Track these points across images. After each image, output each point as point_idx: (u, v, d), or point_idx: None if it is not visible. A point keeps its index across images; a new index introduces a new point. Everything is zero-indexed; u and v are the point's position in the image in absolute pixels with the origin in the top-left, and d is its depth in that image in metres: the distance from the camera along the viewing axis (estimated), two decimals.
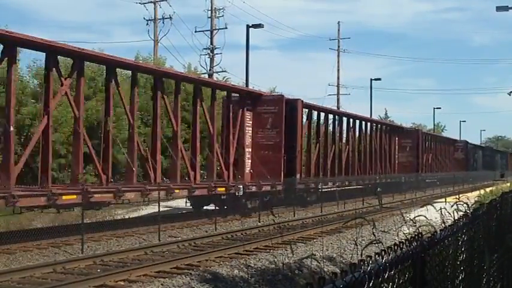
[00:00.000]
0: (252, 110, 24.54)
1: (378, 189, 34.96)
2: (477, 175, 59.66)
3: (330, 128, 33.07)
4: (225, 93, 24.93)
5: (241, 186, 21.50)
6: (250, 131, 24.45)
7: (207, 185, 20.55)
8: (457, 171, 54.57)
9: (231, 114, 23.36)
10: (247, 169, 24.07)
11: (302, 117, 26.96)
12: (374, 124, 38.91)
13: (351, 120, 34.50)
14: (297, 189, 25.38)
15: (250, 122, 24.46)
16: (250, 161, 24.30)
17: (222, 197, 21.52)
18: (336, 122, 32.79)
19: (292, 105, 25.80)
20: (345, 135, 33.82)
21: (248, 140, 24.27)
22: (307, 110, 28.83)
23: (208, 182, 21.77)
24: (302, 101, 26.80)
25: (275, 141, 24.46)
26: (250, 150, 24.33)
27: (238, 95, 24.65)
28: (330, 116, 32.62)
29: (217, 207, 21.13)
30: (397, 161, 42.09)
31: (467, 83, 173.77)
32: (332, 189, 28.59)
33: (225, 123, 23.63)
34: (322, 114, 30.85)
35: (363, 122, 36.45)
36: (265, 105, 24.89)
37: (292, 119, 25.49)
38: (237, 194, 21.26)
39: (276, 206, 22.68)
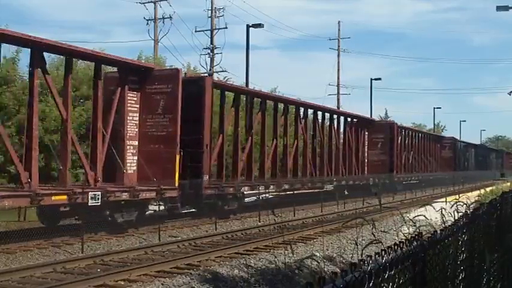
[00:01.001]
0: (140, 89, 18.58)
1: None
2: (467, 176, 54.69)
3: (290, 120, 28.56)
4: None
5: (96, 192, 15.48)
6: (137, 118, 18.51)
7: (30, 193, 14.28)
8: (444, 172, 51.13)
9: (99, 93, 17.19)
10: (131, 169, 18.18)
11: (212, 99, 20.94)
12: (335, 115, 33.32)
13: (302, 109, 29.03)
14: (205, 195, 19.78)
15: (137, 106, 18.52)
16: (135, 157, 18.33)
17: (64, 209, 16.00)
18: (282, 111, 27.04)
19: (197, 84, 20.32)
20: (306, 130, 29.19)
21: (133, 130, 18.38)
22: (233, 93, 23.71)
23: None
24: (212, 79, 22.17)
25: (167, 132, 18.38)
26: (136, 143, 18.45)
27: (115, 68, 19.22)
28: (270, 103, 26.90)
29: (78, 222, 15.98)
30: (366, 160, 36.81)
31: (467, 83, 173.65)
32: (265, 195, 24.21)
33: (93, 105, 17.56)
34: (258, 100, 25.37)
35: (319, 113, 31.27)
36: (156, 83, 18.64)
37: (196, 102, 19.73)
38: (89, 203, 15.18)
39: (170, 219, 18.57)
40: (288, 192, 25.91)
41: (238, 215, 21.56)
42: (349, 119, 35.27)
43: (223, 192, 20.74)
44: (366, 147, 36.94)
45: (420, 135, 48.99)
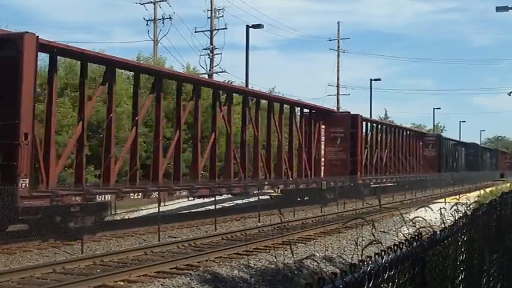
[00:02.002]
0: None
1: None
2: (456, 177, 49.10)
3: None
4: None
5: None
6: None
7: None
8: (426, 173, 46.00)
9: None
10: None
11: (36, 67, 14.82)
12: (278, 104, 27.98)
13: (227, 94, 23.54)
14: (21, 208, 13.79)
15: None
16: None
17: None
18: (194, 97, 21.50)
19: (11, 46, 14.33)
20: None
21: None
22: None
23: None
24: (37, 38, 14.29)
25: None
26: None
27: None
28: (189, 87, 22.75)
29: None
30: (323, 159, 30.85)
31: (467, 83, 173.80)
32: None
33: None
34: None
35: (262, 101, 26.08)
36: None
37: (8, 70, 14.17)
38: None
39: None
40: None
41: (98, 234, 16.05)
42: (306, 110, 30.12)
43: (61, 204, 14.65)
44: (323, 143, 30.90)
45: (396, 130, 42.33)
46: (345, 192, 29.24)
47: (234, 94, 24.56)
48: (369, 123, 37.11)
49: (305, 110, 30.27)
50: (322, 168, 30.84)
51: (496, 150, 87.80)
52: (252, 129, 25.08)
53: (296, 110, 29.64)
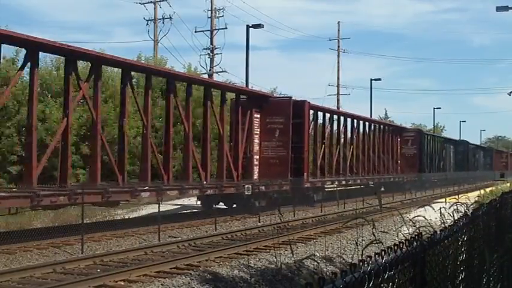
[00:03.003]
0: None
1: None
2: (442, 178, 45.58)
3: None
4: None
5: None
6: None
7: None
8: (404, 174, 40.86)
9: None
10: None
11: None
12: (213, 90, 23.45)
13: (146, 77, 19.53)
14: None
15: None
16: None
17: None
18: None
19: None
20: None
21: None
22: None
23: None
24: None
25: None
26: None
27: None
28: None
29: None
30: (257, 156, 24.39)
31: (467, 83, 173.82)
32: None
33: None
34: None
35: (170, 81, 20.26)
36: None
37: None
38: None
39: None
40: None
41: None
42: (243, 97, 24.37)
43: None
44: (257, 137, 24.46)
45: (366, 124, 35.91)
46: (288, 198, 23.62)
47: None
48: (327, 114, 30.51)
49: (242, 97, 24.33)
50: (256, 168, 24.36)
51: (490, 148, 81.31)
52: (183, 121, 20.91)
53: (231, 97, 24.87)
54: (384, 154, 38.30)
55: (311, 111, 28.41)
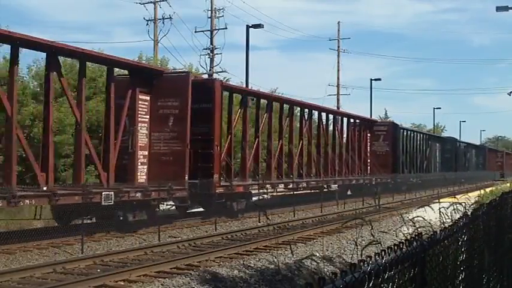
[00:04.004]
0: None
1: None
2: (425, 180, 41.01)
3: None
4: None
5: None
6: None
7: None
8: (374, 175, 35.25)
9: None
10: None
11: None
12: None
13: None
14: None
15: None
16: None
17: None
18: None
19: None
20: None
21: None
22: None
23: None
24: None
25: None
26: None
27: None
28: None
29: None
30: (144, 152, 18.46)
31: (467, 83, 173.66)
32: None
33: None
34: None
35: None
36: None
37: None
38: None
39: None
40: None
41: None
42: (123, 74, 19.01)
43: None
44: (145, 125, 18.53)
45: (320, 114, 30.36)
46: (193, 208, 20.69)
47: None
48: (263, 100, 25.05)
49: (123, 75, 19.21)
50: (143, 167, 18.50)
51: (482, 147, 74.17)
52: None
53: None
54: (347, 152, 32.82)
55: (225, 94, 23.29)
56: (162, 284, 10.21)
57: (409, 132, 42.99)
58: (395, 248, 2.80)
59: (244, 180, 22.88)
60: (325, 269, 11.60)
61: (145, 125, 18.66)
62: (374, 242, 6.17)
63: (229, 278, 10.88)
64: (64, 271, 11.19)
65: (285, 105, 28.06)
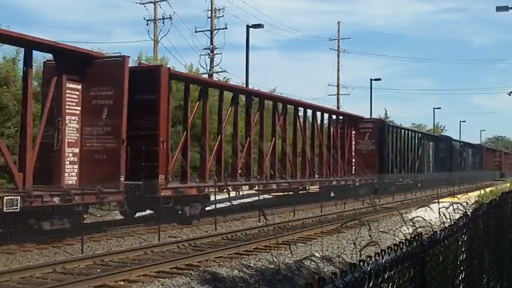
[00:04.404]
0: None
1: (332, 194, 31.25)
2: (419, 181, 40.01)
3: None
4: None
5: None
6: None
7: None
8: (356, 175, 32.98)
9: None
10: None
11: None
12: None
13: None
14: None
15: None
16: None
17: None
18: None
19: None
20: None
21: None
22: None
23: None
24: None
25: None
26: None
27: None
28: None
29: None
30: (74, 149, 16.01)
31: (467, 83, 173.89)
32: None
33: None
34: None
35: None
36: None
37: None
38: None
39: None
40: None
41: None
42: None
43: None
44: (76, 118, 16.16)
45: (297, 109, 28.26)
46: (131, 214, 18.75)
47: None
48: (227, 93, 23.53)
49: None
50: (73, 166, 16.07)
51: (479, 146, 70.97)
52: None
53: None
54: (329, 151, 30.63)
55: (176, 84, 21.82)
56: (162, 284, 10.21)
57: (399, 130, 40.64)
58: (395, 248, 2.80)
59: (203, 181, 20.43)
60: (325, 269, 11.60)
61: (76, 118, 16.18)
62: (371, 243, 6.18)
63: (229, 278, 10.88)
64: (64, 271, 11.19)
65: (255, 99, 24.96)
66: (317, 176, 29.18)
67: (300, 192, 29.19)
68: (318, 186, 29.77)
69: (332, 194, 30.65)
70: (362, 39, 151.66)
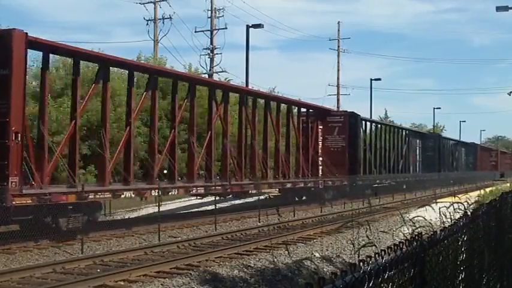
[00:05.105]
0: None
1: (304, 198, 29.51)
2: (404, 182, 36.55)
3: None
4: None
5: None
6: None
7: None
8: (324, 176, 28.37)
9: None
10: None
11: None
12: None
13: None
14: None
15: None
16: None
17: None
18: None
19: None
20: None
21: None
22: None
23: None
24: None
25: None
26: None
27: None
28: None
29: None
30: None
31: (467, 83, 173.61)
32: None
33: None
34: None
35: None
36: None
37: None
38: None
39: None
40: None
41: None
42: None
43: None
44: None
45: (244, 98, 23.67)
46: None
47: None
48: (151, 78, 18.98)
49: None
50: None
51: (473, 145, 65.45)
52: None
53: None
54: (287, 148, 26.71)
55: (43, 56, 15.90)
56: (162, 284, 10.20)
57: (378, 125, 36.61)
58: (395, 248, 2.80)
59: (103, 185, 16.73)
60: (325, 269, 11.60)
61: None
62: (368, 244, 6.18)
63: (229, 278, 10.88)
64: (64, 271, 11.19)
65: (188, 85, 21.25)
66: (270, 177, 25.06)
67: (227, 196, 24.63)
68: (277, 190, 26.74)
69: (304, 198, 27.13)
70: (362, 39, 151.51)
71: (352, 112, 32.40)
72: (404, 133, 41.15)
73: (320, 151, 29.76)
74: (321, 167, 29.46)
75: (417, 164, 43.25)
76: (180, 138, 23.38)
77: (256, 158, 24.07)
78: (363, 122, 33.51)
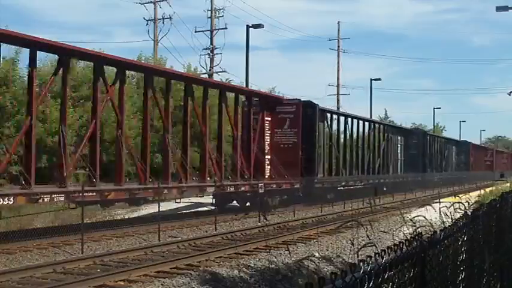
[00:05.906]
0: None
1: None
2: (379, 185, 32.20)
3: None
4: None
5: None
6: None
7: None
8: (270, 180, 23.62)
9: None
10: None
11: None
12: None
13: None
14: None
15: None
16: None
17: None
18: None
19: None
20: None
21: None
22: None
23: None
24: None
25: None
26: None
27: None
28: None
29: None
30: None
31: (467, 83, 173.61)
32: None
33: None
34: None
35: None
36: None
37: None
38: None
39: None
40: None
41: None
42: None
43: None
44: None
45: (169, 84, 19.71)
46: None
47: None
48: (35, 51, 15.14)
49: None
50: None
51: (465, 143, 59.74)
52: None
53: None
54: (219, 144, 22.19)
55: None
56: (162, 284, 10.20)
57: (349, 119, 30.85)
58: (395, 248, 2.80)
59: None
60: (325, 269, 11.60)
61: None
62: (368, 244, 6.18)
63: (229, 278, 10.88)
64: (64, 271, 11.18)
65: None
66: (194, 179, 20.90)
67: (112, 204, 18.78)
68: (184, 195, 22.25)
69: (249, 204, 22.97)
70: (362, 39, 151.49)
71: (309, 101, 26.37)
72: (382, 128, 35.81)
73: (267, 148, 24.67)
74: (268, 167, 24.67)
75: (398, 163, 38.45)
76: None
77: (169, 156, 19.62)
78: (328, 115, 28.27)
